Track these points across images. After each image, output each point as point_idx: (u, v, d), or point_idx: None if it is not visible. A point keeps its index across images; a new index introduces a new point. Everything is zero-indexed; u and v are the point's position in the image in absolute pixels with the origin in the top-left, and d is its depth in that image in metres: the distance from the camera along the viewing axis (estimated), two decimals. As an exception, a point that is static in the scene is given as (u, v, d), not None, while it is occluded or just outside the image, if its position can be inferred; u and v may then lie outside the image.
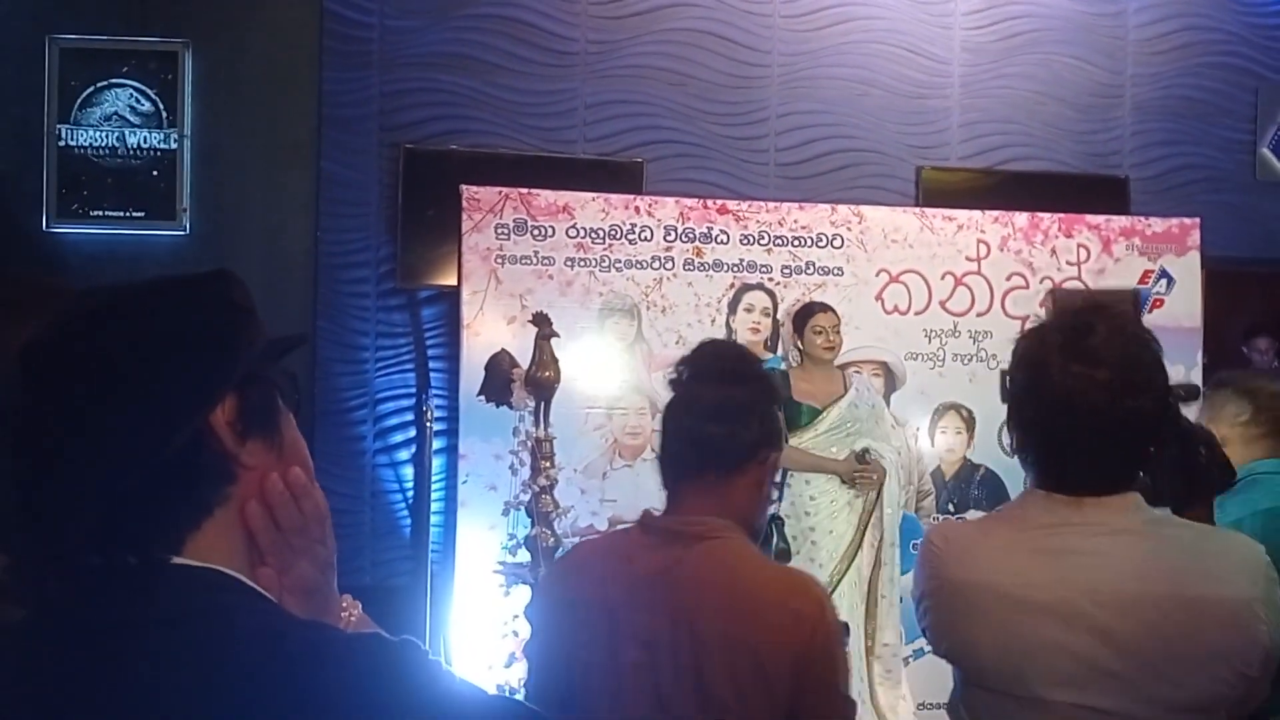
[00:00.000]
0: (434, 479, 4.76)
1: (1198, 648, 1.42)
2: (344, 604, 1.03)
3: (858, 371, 4.51)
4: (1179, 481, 1.59)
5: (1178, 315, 4.75)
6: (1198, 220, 4.90)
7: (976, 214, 4.73)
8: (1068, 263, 4.74)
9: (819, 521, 4.19)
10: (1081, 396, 1.43)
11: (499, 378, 3.59)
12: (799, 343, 4.33)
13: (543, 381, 3.54)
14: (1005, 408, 1.64)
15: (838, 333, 4.28)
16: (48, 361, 0.86)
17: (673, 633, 1.61)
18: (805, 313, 4.33)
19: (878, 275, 4.63)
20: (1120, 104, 5.58)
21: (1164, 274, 4.79)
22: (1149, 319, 4.70)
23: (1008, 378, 1.63)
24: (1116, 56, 5.58)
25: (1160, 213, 5.08)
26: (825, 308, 4.32)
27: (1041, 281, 4.71)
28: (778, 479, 4.32)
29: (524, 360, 3.72)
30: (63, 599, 0.86)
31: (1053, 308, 2.49)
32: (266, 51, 4.86)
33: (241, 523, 0.91)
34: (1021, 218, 4.74)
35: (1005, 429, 1.79)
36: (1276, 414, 2.50)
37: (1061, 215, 4.78)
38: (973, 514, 4.46)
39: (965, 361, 4.65)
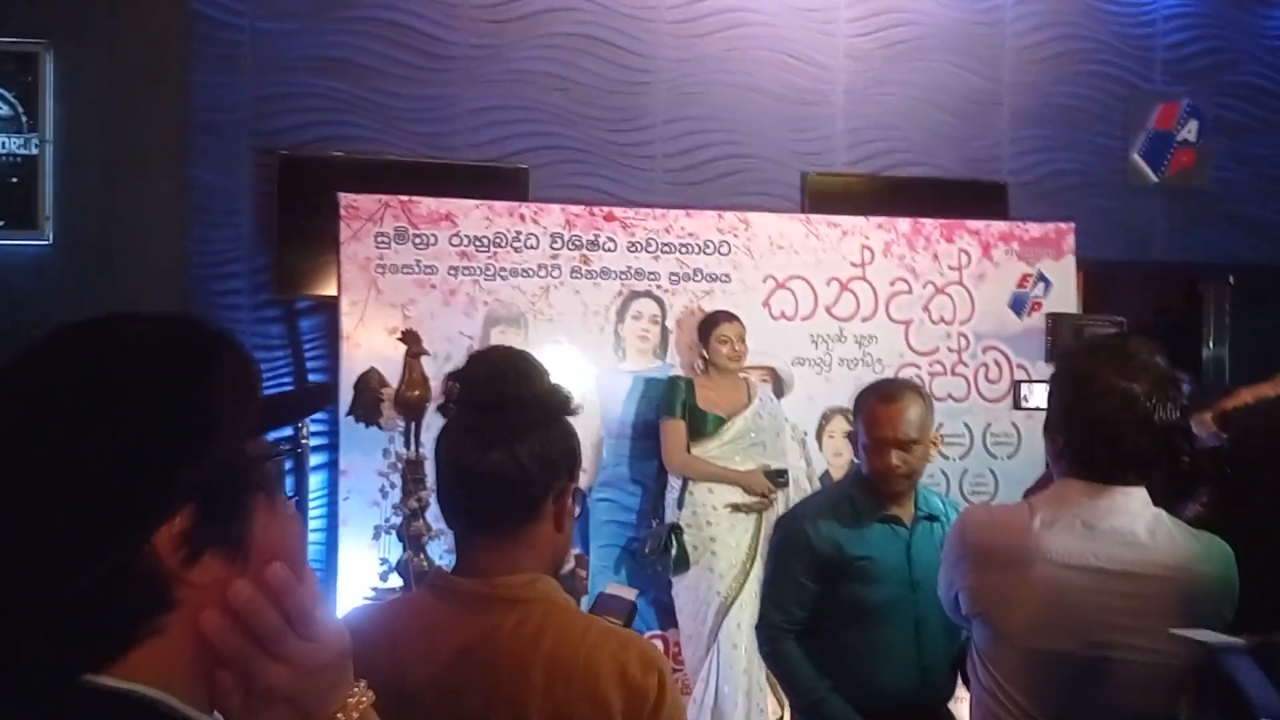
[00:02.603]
0: (313, 496, 4.61)
1: (1191, 609, 1.73)
2: (355, 692, 0.86)
3: (764, 379, 4.51)
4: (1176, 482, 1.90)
5: (1055, 318, 4.85)
6: (1073, 225, 5.03)
7: (860, 220, 4.77)
8: (949, 267, 4.81)
9: (719, 532, 4.16)
10: (1121, 404, 1.75)
11: (368, 397, 3.47)
12: (704, 352, 4.31)
13: (412, 401, 3.44)
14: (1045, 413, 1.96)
15: (743, 341, 4.29)
16: None
17: (487, 718, 1.39)
18: (710, 322, 4.31)
19: (765, 281, 4.64)
20: (999, 111, 5.69)
21: (1041, 277, 4.90)
22: (1027, 322, 4.81)
23: (1051, 386, 1.94)
24: (995, 64, 5.69)
25: (1037, 217, 5.20)
26: (730, 317, 4.31)
27: (924, 286, 4.78)
28: (669, 487, 4.30)
29: (396, 378, 3.61)
30: None
31: (1054, 330, 2.85)
32: (132, 53, 4.65)
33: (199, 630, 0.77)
34: (904, 223, 4.80)
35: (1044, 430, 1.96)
36: None
37: (943, 221, 4.85)
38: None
39: (851, 366, 4.68)
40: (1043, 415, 2.75)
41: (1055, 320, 2.73)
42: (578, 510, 1.56)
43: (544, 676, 1.38)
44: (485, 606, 1.42)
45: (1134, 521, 1.79)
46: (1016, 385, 2.90)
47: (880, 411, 2.61)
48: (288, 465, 4.69)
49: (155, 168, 4.67)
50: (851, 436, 2.76)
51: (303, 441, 4.51)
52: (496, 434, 1.42)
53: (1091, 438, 1.79)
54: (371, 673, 1.35)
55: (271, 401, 0.86)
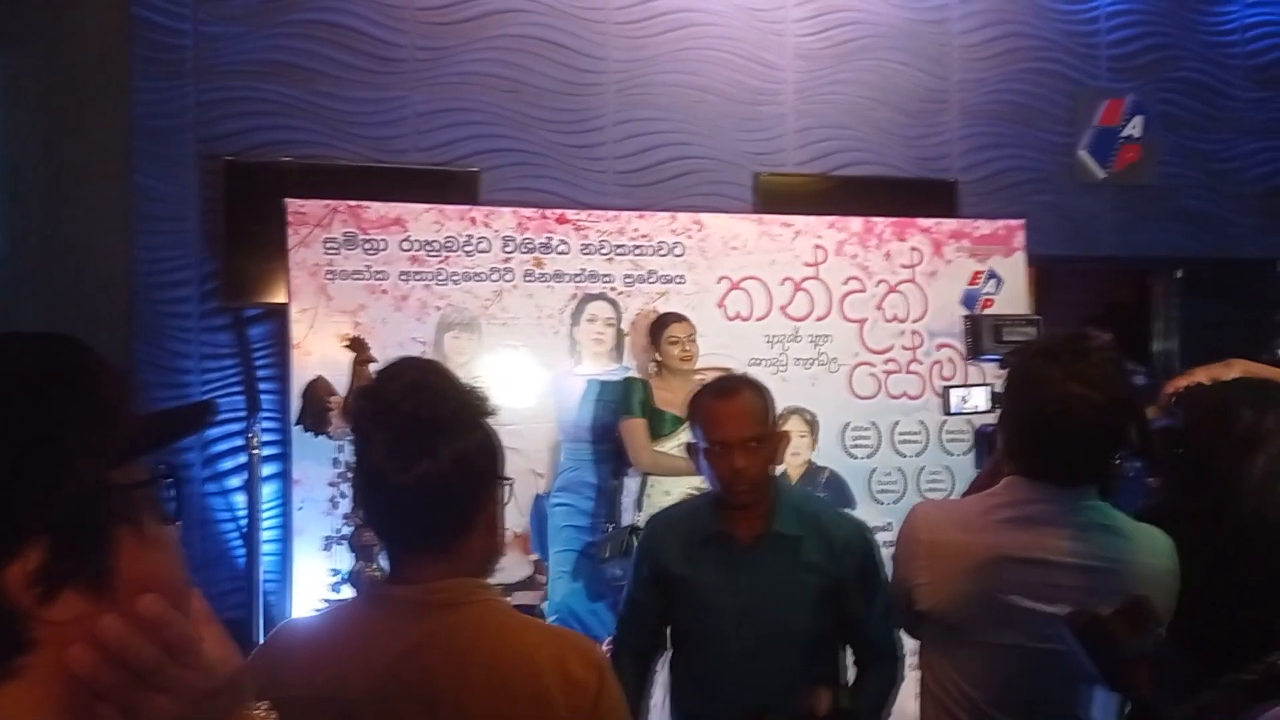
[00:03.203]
0: (266, 507, 4.54)
1: None
2: (255, 715, 0.84)
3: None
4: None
5: (1007, 314, 4.89)
6: (1022, 221, 5.07)
7: (813, 220, 4.79)
8: (902, 265, 4.84)
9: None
10: (1076, 413, 1.74)
11: (315, 406, 3.42)
12: (656, 354, 4.30)
13: (360, 410, 3.38)
14: (999, 411, 1.98)
15: (693, 341, 4.28)
16: None
17: None
18: (660, 323, 4.31)
19: (719, 282, 4.63)
20: (947, 109, 5.73)
21: (992, 274, 4.94)
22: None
23: (1006, 385, 1.94)
24: (943, 63, 5.73)
25: (987, 214, 5.24)
26: (679, 318, 4.31)
27: (877, 284, 4.80)
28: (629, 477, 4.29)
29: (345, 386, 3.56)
30: None
31: (972, 331, 2.79)
32: (73, 59, 4.55)
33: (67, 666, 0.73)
34: (856, 222, 4.82)
35: (998, 429, 1.97)
36: None
37: (894, 219, 4.88)
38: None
39: (807, 365, 4.69)
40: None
41: (973, 321, 2.72)
42: (508, 500, 1.54)
43: (485, 677, 1.37)
44: (422, 613, 1.41)
45: (1081, 517, 1.82)
46: (947, 390, 2.80)
47: (718, 409, 2.34)
48: (243, 474, 4.64)
49: (99, 175, 4.58)
50: (691, 449, 2.42)
51: (253, 450, 4.45)
52: (418, 451, 1.39)
53: (1044, 441, 1.81)
54: (310, 685, 1.37)
55: (145, 424, 0.81)
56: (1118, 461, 1.84)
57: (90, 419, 0.76)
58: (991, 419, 2.62)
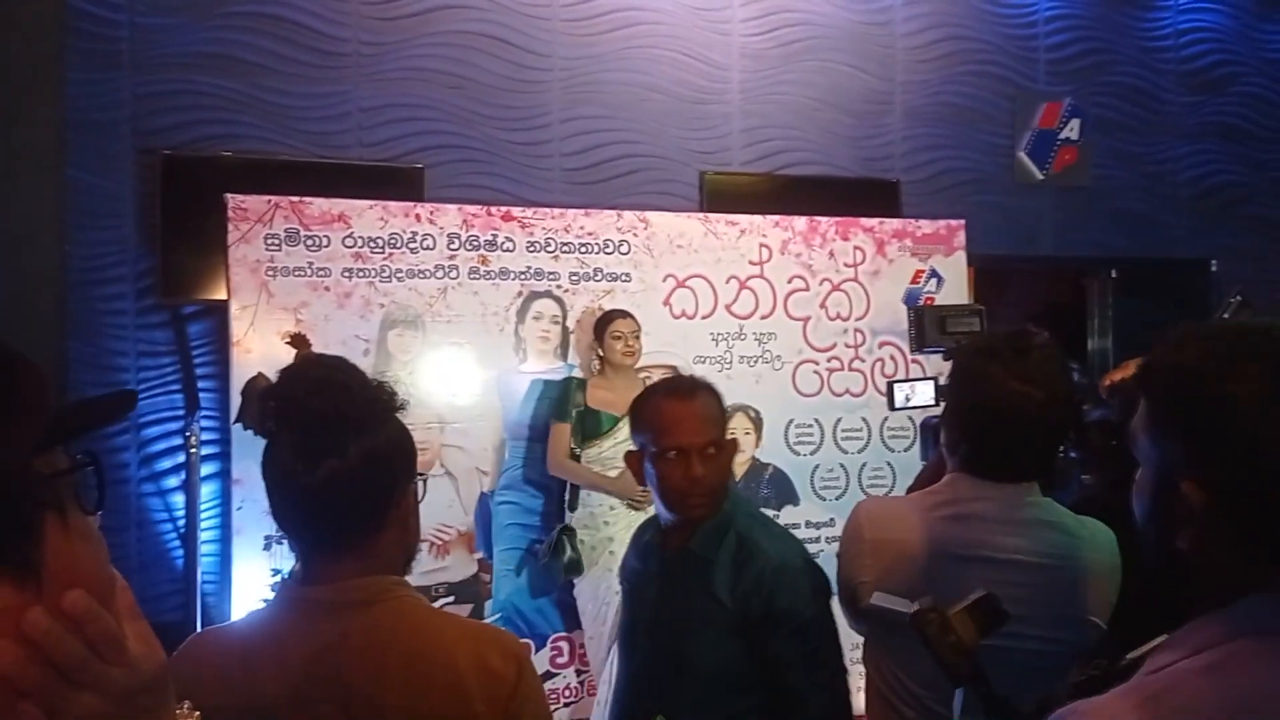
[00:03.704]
0: (205, 506, 4.47)
1: (1076, 599, 1.80)
2: (179, 715, 0.84)
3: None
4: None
5: (948, 312, 4.96)
6: (963, 221, 5.14)
7: (758, 218, 4.81)
8: (845, 264, 4.88)
9: (616, 531, 4.16)
10: (1017, 410, 1.76)
11: (254, 404, 3.35)
12: (599, 350, 4.30)
13: (302, 406, 3.33)
14: (940, 406, 2.04)
15: (637, 338, 4.29)
16: None
17: None
18: (605, 320, 4.31)
19: (665, 280, 4.64)
20: (891, 110, 5.80)
21: (934, 273, 5.00)
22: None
23: (949, 382, 1.94)
24: (886, 64, 5.79)
25: (929, 214, 5.31)
26: (624, 314, 4.31)
27: (821, 283, 4.84)
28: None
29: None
30: None
31: (917, 322, 2.74)
32: (4, 50, 4.43)
33: None
34: (801, 221, 4.85)
35: (942, 425, 1.96)
36: None
37: (838, 219, 4.92)
38: (766, 512, 4.54)
39: (751, 363, 4.72)
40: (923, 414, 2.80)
41: (918, 313, 2.71)
42: (422, 496, 1.53)
43: (401, 673, 1.35)
44: (335, 612, 1.38)
45: (1025, 514, 1.84)
46: (891, 386, 2.76)
47: (674, 411, 2.09)
48: (181, 474, 4.56)
49: (32, 169, 4.47)
50: (632, 457, 2.19)
51: (191, 449, 4.37)
52: (326, 449, 1.37)
53: (986, 438, 1.82)
54: (227, 693, 1.34)
55: (66, 411, 0.79)
56: (1059, 456, 1.86)
57: (8, 408, 0.74)
58: (936, 412, 2.62)
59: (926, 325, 2.67)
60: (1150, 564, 1.18)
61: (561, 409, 4.25)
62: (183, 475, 4.55)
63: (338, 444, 1.37)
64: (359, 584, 1.39)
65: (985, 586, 1.75)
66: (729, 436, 2.16)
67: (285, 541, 3.45)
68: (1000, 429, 1.79)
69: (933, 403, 2.67)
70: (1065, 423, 1.83)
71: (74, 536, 0.76)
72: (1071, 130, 6.12)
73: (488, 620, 4.29)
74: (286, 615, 1.43)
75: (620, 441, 4.22)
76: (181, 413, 4.58)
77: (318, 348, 3.90)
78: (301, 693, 1.34)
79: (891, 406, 2.76)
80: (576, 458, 4.23)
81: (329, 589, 1.40)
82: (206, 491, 4.49)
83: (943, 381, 2.45)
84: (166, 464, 4.59)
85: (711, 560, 2.06)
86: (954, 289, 5.03)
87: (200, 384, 4.61)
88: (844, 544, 1.96)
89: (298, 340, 3.47)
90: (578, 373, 4.43)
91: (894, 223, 5.07)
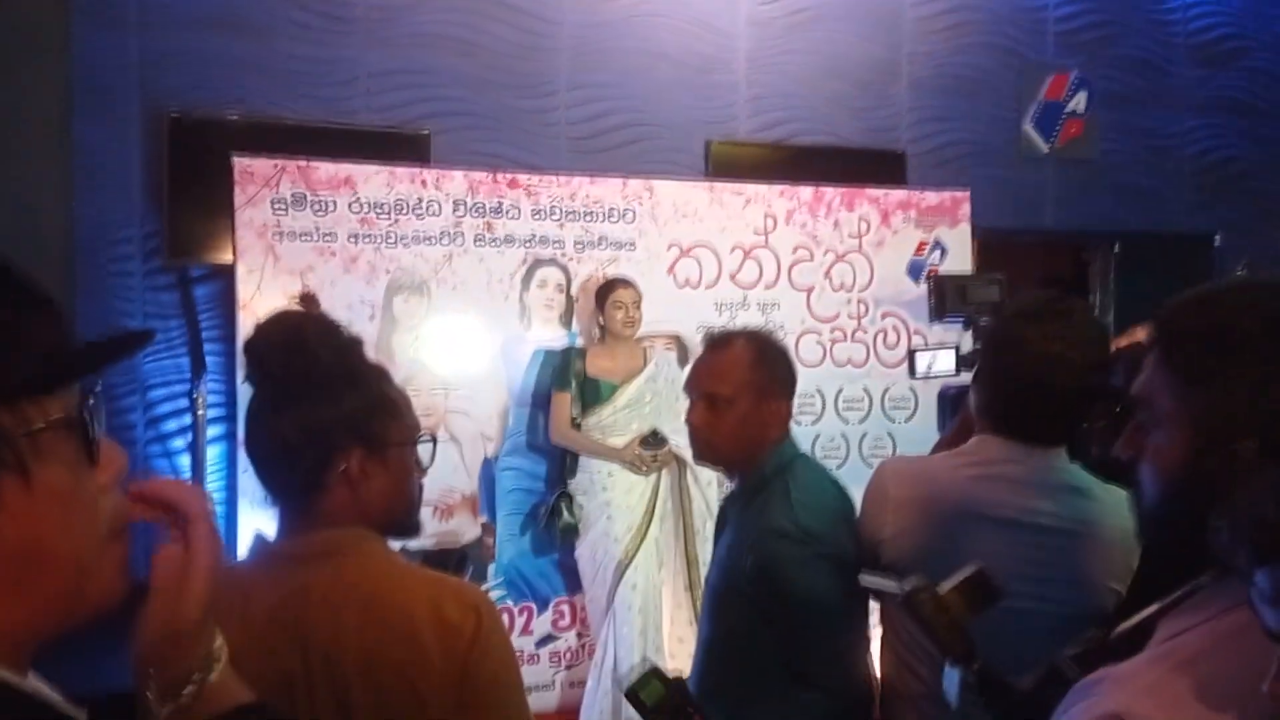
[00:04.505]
0: (212, 469, 4.51)
1: (1099, 566, 1.79)
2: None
3: (668, 347, 4.54)
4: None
5: (951, 284, 4.98)
6: (968, 192, 5.15)
7: (763, 188, 4.82)
8: (849, 235, 4.90)
9: (614, 496, 4.21)
10: (1055, 374, 1.75)
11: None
12: (600, 318, 4.31)
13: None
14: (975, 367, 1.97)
15: (638, 308, 4.30)
16: None
17: (306, 673, 1.35)
18: (606, 288, 4.32)
19: (669, 249, 4.65)
20: (897, 81, 5.78)
21: (938, 244, 5.01)
22: (924, 289, 4.90)
23: (983, 344, 1.91)
24: (894, 34, 5.77)
25: (934, 185, 5.31)
26: (626, 283, 4.32)
27: (825, 253, 4.85)
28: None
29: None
30: None
31: (938, 291, 2.71)
32: (10, 9, 4.42)
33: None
34: (806, 191, 4.86)
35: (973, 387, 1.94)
36: None
37: (843, 189, 4.93)
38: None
39: (755, 333, 4.73)
40: (939, 382, 2.82)
41: (938, 281, 2.71)
42: (426, 463, 1.53)
43: (358, 622, 1.36)
44: (297, 564, 1.41)
45: (1053, 478, 1.84)
46: (912, 354, 2.78)
47: (698, 359, 2.21)
48: (187, 435, 4.59)
49: (38, 130, 4.47)
50: None
51: (199, 412, 4.40)
52: (269, 410, 1.41)
53: (1019, 401, 1.81)
54: None
55: (57, 357, 0.76)
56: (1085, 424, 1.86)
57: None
58: (955, 381, 2.63)
59: (947, 294, 2.67)
60: (1151, 532, 1.18)
61: (562, 378, 4.28)
62: (189, 437, 4.58)
63: (280, 403, 1.40)
64: (323, 536, 1.41)
65: (1008, 548, 1.77)
66: (777, 400, 2.12)
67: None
68: (1036, 392, 1.78)
69: (953, 371, 2.68)
70: (1101, 388, 1.82)
71: (38, 496, 0.74)
72: (1078, 103, 6.11)
73: (491, 584, 4.34)
74: (255, 568, 1.46)
75: (620, 409, 4.25)
76: (188, 376, 4.60)
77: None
78: (264, 645, 1.34)
79: (913, 374, 2.77)
80: (578, 426, 4.26)
81: (293, 542, 1.43)
82: (212, 454, 4.53)
83: (964, 350, 2.45)
84: (173, 426, 4.62)
85: (740, 517, 2.11)
86: (958, 260, 5.04)
87: (206, 347, 4.63)
88: (866, 502, 1.96)
89: (306, 299, 3.48)
90: (579, 342, 4.46)
91: (899, 193, 5.08)
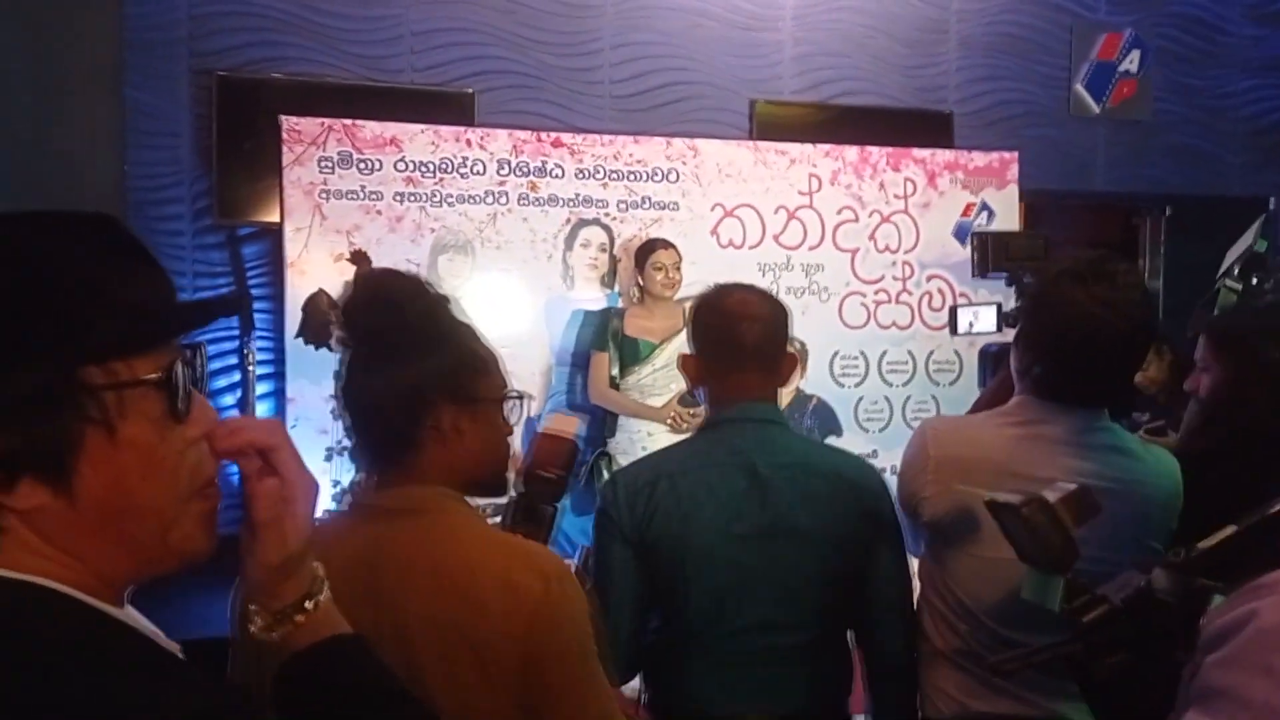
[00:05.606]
0: (261, 424, 4.58)
1: (1139, 525, 1.81)
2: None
3: (706, 305, 4.53)
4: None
5: (997, 247, 4.92)
6: (1016, 154, 5.07)
7: (808, 148, 4.78)
8: (895, 196, 4.85)
9: (655, 455, 4.23)
10: (1098, 335, 1.73)
11: (317, 319, 3.44)
12: (640, 279, 4.32)
13: (362, 322, 3.40)
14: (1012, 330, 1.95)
15: (678, 270, 4.28)
16: None
17: (375, 627, 1.34)
18: (646, 249, 4.32)
19: (713, 210, 4.64)
20: (946, 40, 5.70)
21: (985, 206, 4.95)
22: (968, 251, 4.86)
23: (1026, 303, 1.91)
24: (943, -8, 5.68)
25: (982, 146, 5.24)
26: (666, 244, 4.31)
27: (870, 215, 4.82)
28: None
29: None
30: None
31: (980, 248, 2.66)
32: (62, -32, 4.48)
33: (87, 509, 0.75)
34: (851, 152, 4.82)
35: (1014, 349, 1.92)
36: None
37: (889, 149, 4.88)
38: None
39: (798, 295, 4.72)
40: (981, 341, 2.79)
41: (981, 238, 2.66)
42: (514, 421, 1.54)
43: (426, 580, 1.38)
44: (383, 518, 1.43)
45: (1093, 438, 1.84)
46: (954, 311, 2.74)
47: None
48: (236, 392, 4.66)
49: (89, 89, 4.53)
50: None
51: (249, 368, 4.47)
52: (363, 368, 1.43)
53: (1064, 361, 1.80)
54: None
55: (135, 320, 0.78)
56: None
57: (68, 309, 0.74)
58: (996, 339, 2.60)
59: (990, 250, 2.63)
60: None
61: (600, 339, 4.30)
62: (239, 394, 4.66)
63: (371, 362, 1.42)
64: (406, 492, 1.43)
65: None
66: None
67: (345, 453, 3.55)
68: (1079, 352, 1.76)
69: (994, 329, 2.65)
70: (1144, 350, 1.81)
71: (122, 448, 0.77)
72: (1131, 62, 5.99)
73: (533, 540, 4.39)
74: (343, 520, 1.50)
75: (659, 368, 4.26)
76: (237, 333, 4.67)
77: (370, 271, 3.96)
78: (340, 591, 1.39)
79: (954, 331, 2.73)
80: (616, 386, 4.28)
81: (381, 496, 1.46)
82: (261, 410, 4.59)
83: (1007, 308, 2.42)
84: (222, 382, 4.70)
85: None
86: (1005, 223, 4.98)
87: (255, 304, 4.69)
88: (907, 460, 1.96)
89: (358, 257, 3.54)
90: (620, 303, 4.46)
91: (946, 154, 5.02)
